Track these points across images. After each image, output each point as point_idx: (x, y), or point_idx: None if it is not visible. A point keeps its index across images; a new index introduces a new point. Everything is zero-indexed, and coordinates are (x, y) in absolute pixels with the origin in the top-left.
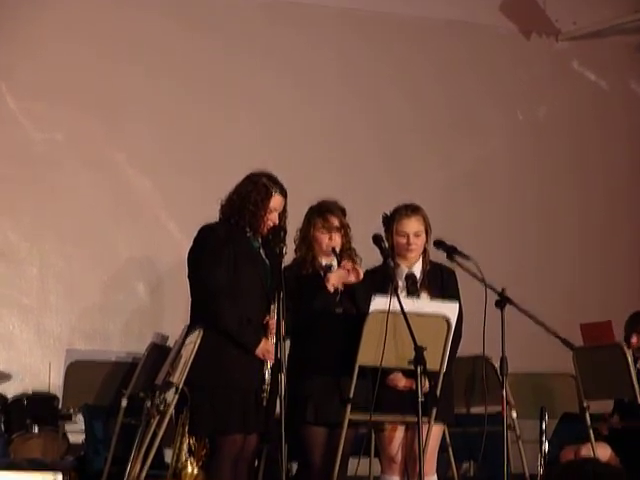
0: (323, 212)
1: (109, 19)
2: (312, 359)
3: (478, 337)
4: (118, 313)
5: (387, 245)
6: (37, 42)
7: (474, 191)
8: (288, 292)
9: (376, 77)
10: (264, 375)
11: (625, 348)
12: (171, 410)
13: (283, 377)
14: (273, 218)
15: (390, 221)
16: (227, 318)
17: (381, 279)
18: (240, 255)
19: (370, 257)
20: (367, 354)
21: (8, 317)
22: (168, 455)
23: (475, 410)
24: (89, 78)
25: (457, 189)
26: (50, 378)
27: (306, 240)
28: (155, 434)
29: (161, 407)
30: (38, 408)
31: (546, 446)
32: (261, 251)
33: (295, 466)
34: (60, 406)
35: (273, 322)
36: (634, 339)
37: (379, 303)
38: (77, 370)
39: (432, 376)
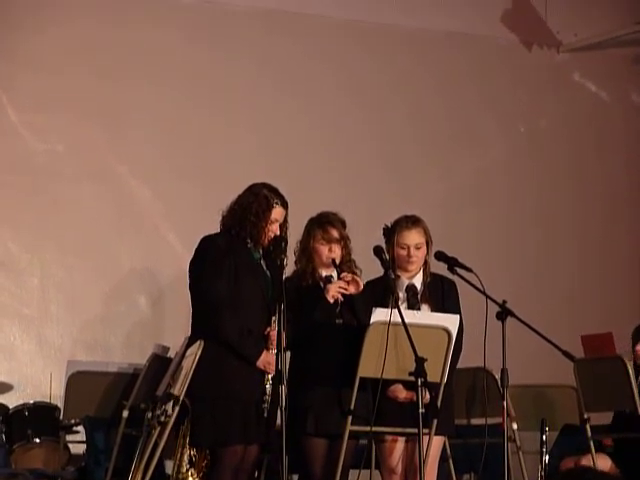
0: (323, 224)
1: (109, 30)
2: (312, 370)
3: (479, 349)
4: (119, 324)
5: (388, 257)
6: (38, 53)
7: (474, 202)
8: (288, 303)
9: (377, 88)
10: (265, 386)
11: (626, 360)
12: (172, 421)
13: (284, 388)
14: (274, 229)
15: (391, 233)
16: (228, 329)
17: (381, 290)
18: (241, 266)
19: (371, 269)
20: (368, 366)
21: (9, 328)
22: (169, 466)
23: (476, 421)
24: (90, 89)
25: (458, 200)
26: (51, 389)
27: (306, 252)
28: (156, 445)
29: (162, 418)
30: (39, 419)
31: (546, 458)
32: (262, 262)
33: (296, 478)
34: (61, 417)
35: (274, 333)
36: (639, 347)
37: (380, 315)
38: (78, 381)
39: (433, 388)
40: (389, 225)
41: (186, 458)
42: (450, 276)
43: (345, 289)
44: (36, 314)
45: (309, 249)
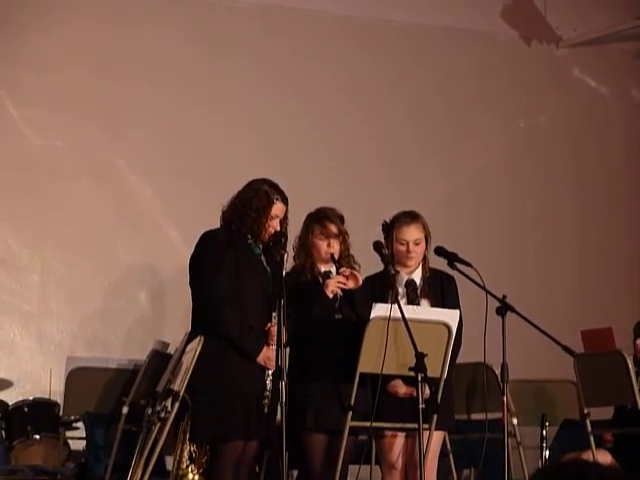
0: (321, 219)
1: (110, 29)
2: (312, 365)
3: (479, 344)
4: (119, 320)
5: (387, 252)
6: (38, 51)
7: (474, 199)
8: (288, 299)
9: (375, 84)
10: (265, 382)
11: (626, 355)
12: (172, 417)
13: (284, 384)
14: (274, 225)
15: (390, 228)
16: (229, 325)
17: (381, 286)
18: (242, 261)
19: (370, 265)
20: (368, 361)
21: (9, 324)
22: (169, 462)
23: (476, 417)
24: (90, 87)
25: (458, 197)
26: (51, 385)
27: (305, 247)
28: (156, 441)
29: (162, 414)
30: (39, 415)
31: (547, 453)
32: (262, 258)
33: (295, 473)
34: (61, 413)
35: (274, 329)
36: (639, 341)
37: (380, 310)
38: (78, 377)
39: (432, 383)
40: (388, 221)
41: (186, 454)
42: (449, 271)
43: (344, 284)
44: (36, 310)
45: (308, 244)
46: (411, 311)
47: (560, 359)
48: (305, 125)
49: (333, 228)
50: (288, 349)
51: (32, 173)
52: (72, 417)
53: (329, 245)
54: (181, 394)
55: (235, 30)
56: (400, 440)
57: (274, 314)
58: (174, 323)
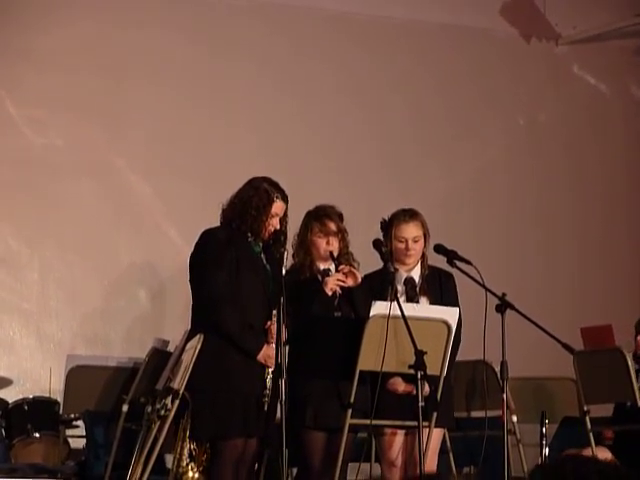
0: (320, 217)
1: (110, 28)
2: (311, 363)
3: (479, 341)
4: (119, 319)
5: (387, 250)
6: (38, 51)
7: (474, 196)
8: (288, 297)
9: (375, 82)
10: (265, 380)
11: (625, 352)
12: (172, 415)
13: (284, 382)
14: (274, 223)
15: (388, 226)
16: (229, 323)
17: (380, 284)
18: (242, 260)
19: (369, 263)
20: (367, 359)
21: (9, 323)
22: (169, 460)
23: (475, 414)
24: (90, 86)
25: (457, 195)
26: (51, 383)
27: (304, 245)
28: (156, 439)
29: (162, 412)
30: (39, 413)
31: (546, 450)
32: (262, 256)
33: (295, 471)
34: (61, 411)
35: (274, 327)
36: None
37: (379, 308)
38: (78, 375)
39: (432, 380)
40: (386, 219)
41: (186, 452)
42: (448, 269)
43: (343, 282)
44: (35, 309)
45: (307, 242)
46: (410, 309)
47: (560, 356)
48: (305, 124)
49: (332, 226)
50: (288, 347)
51: (32, 172)
52: (72, 415)
53: (328, 243)
54: (181, 392)
55: (235, 29)
56: (400, 438)
57: (274, 312)
58: (174, 321)
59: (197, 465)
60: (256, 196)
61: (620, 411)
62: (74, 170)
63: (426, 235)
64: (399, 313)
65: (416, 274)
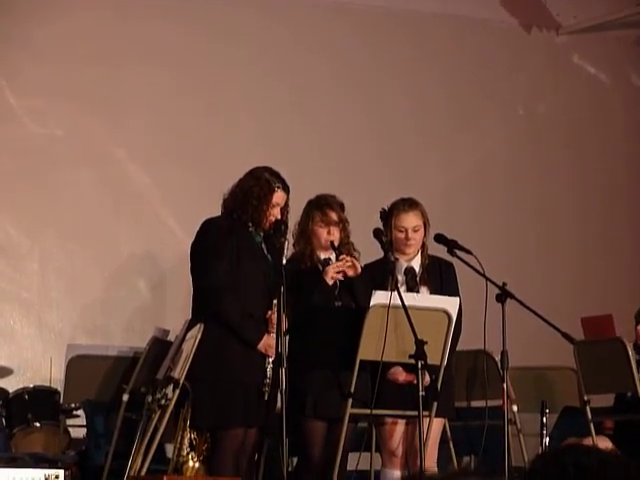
0: (322, 206)
1: (109, 18)
2: (311, 353)
3: (479, 331)
4: (119, 309)
5: (387, 240)
6: (38, 40)
7: (474, 187)
8: (288, 287)
9: (373, 72)
10: (265, 370)
11: (626, 341)
12: (172, 405)
13: (284, 371)
14: (275, 213)
15: (388, 216)
16: (230, 312)
17: (380, 273)
18: (242, 249)
19: (370, 253)
20: (368, 348)
21: (9, 312)
22: (169, 450)
23: (476, 404)
24: (89, 75)
25: (457, 184)
26: (51, 373)
27: (305, 234)
28: (156, 429)
29: (162, 402)
30: (39, 403)
31: (547, 440)
32: (263, 246)
33: (295, 460)
34: (61, 400)
35: (275, 317)
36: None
37: (380, 297)
38: (78, 365)
39: (433, 370)
40: (386, 208)
41: (186, 442)
42: (449, 258)
43: (344, 271)
44: (36, 298)
45: (308, 232)
46: (411, 298)
47: (560, 346)
48: (304, 114)
49: (333, 215)
50: (288, 336)
51: (32, 162)
52: (72, 405)
53: (329, 233)
54: (181, 381)
55: (233, 19)
56: (400, 427)
57: (274, 302)
58: (174, 311)
59: (197, 454)
60: (257, 186)
61: (621, 401)
62: (74, 160)
63: (426, 224)
64: (399, 303)
65: (416, 264)
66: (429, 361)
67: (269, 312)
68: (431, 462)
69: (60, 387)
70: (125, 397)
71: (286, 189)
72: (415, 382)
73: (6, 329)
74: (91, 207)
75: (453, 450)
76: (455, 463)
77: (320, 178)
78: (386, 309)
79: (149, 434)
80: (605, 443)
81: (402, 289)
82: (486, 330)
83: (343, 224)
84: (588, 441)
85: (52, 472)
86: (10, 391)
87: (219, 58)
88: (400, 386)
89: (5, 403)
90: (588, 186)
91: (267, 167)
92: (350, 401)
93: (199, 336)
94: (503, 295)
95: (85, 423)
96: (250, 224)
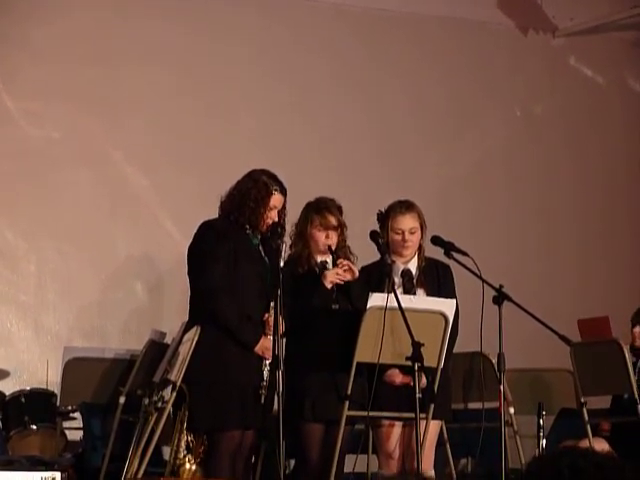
0: (321, 210)
1: (107, 19)
2: (309, 355)
3: (476, 333)
4: (116, 311)
5: (384, 242)
6: (35, 42)
7: (473, 188)
8: (285, 290)
9: (372, 74)
10: (262, 372)
11: (622, 343)
12: (169, 407)
13: (281, 374)
14: (273, 216)
15: (385, 218)
16: (227, 314)
17: (377, 275)
18: (240, 252)
19: (366, 255)
20: (365, 351)
21: (6, 314)
22: (166, 452)
23: (473, 406)
24: (86, 76)
25: (455, 186)
26: (48, 375)
27: (302, 237)
28: (153, 431)
29: (159, 404)
30: (36, 405)
31: (543, 442)
32: (260, 248)
33: (293, 463)
34: (58, 403)
35: (272, 319)
36: (637, 329)
37: (376, 299)
38: (75, 367)
39: (429, 372)
40: (383, 210)
41: (183, 444)
42: (445, 260)
43: (342, 277)
44: (32, 301)
45: (306, 234)
46: (407, 301)
47: (557, 348)
48: (303, 115)
49: (332, 220)
50: (285, 339)
51: (29, 164)
52: (69, 407)
53: (327, 237)
54: (178, 384)
55: (232, 20)
56: (397, 429)
57: (272, 304)
58: (171, 313)
59: (194, 457)
60: (255, 188)
61: (617, 403)
62: (71, 162)
63: (423, 226)
64: (396, 305)
65: (413, 266)
66: (426, 363)
67: (266, 314)
68: (428, 464)
69: (57, 389)
70: (122, 399)
71: (283, 192)
72: (412, 384)
73: (3, 331)
74: (88, 209)
75: (450, 452)
76: (452, 465)
77: (319, 178)
78: (383, 311)
79: (146, 436)
80: (602, 445)
81: (399, 291)
82: (483, 332)
83: (341, 228)
84: (585, 443)
85: (49, 475)
86: (7, 394)
87: (217, 59)
88: (397, 388)
89: (2, 406)
90: (587, 187)
91: (264, 170)
92: (347, 403)
93: (196, 338)
94: (500, 297)
95: (82, 426)
96: (247, 226)
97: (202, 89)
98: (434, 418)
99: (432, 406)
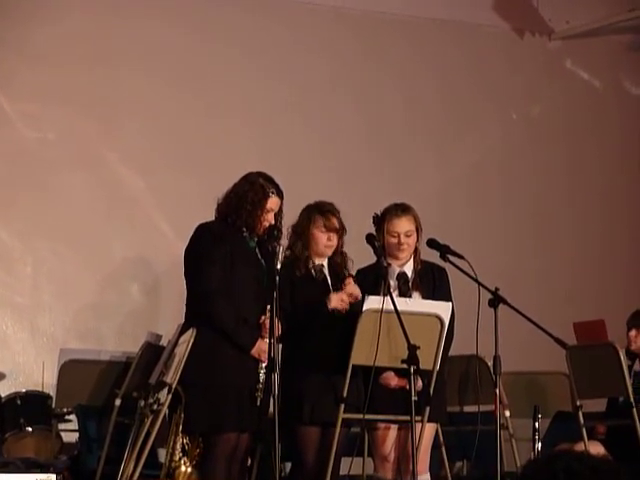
0: (325, 212)
1: (103, 21)
2: (306, 358)
3: (472, 336)
4: (112, 313)
5: (380, 245)
6: (31, 44)
7: (469, 191)
8: (282, 293)
9: (370, 76)
10: (259, 375)
11: (618, 346)
12: (165, 409)
13: (276, 377)
14: (269, 218)
15: (381, 221)
16: (223, 317)
17: (373, 278)
18: (236, 254)
19: (362, 257)
20: (360, 353)
21: (1, 316)
22: (162, 455)
23: (468, 409)
24: (82, 78)
25: (452, 188)
26: (44, 377)
27: (303, 237)
28: (149, 434)
29: (154, 406)
30: (32, 407)
31: (539, 445)
32: (257, 251)
33: (288, 466)
34: (54, 405)
35: (268, 322)
36: (632, 332)
37: (372, 302)
38: (71, 369)
39: (425, 375)
40: (379, 214)
41: (179, 446)
42: (441, 263)
43: (345, 305)
44: (28, 303)
45: (307, 235)
46: (403, 303)
47: (553, 351)
48: (300, 118)
49: (336, 222)
50: (283, 342)
51: (25, 166)
52: (64, 409)
53: (329, 239)
54: (174, 386)
55: (229, 22)
56: (393, 432)
57: (269, 307)
58: (167, 315)
59: (190, 459)
60: (251, 191)
61: (613, 406)
62: (67, 164)
63: (418, 229)
64: (392, 308)
65: (409, 269)
66: (421, 366)
67: (263, 317)
68: (423, 467)
69: (52, 392)
70: (117, 402)
71: (280, 195)
72: (407, 387)
73: None
74: (84, 211)
75: (445, 455)
76: (447, 468)
77: (317, 181)
78: (378, 314)
79: (141, 439)
80: (597, 448)
81: (394, 294)
82: (479, 335)
83: (342, 232)
84: (580, 446)
85: (44, 477)
86: (2, 396)
87: (216, 61)
88: (392, 391)
89: None
90: (583, 190)
91: (261, 172)
92: (343, 406)
93: (192, 340)
94: (495, 300)
95: (77, 428)
96: (244, 229)
97: (199, 91)
98: (430, 421)
99: (428, 409)
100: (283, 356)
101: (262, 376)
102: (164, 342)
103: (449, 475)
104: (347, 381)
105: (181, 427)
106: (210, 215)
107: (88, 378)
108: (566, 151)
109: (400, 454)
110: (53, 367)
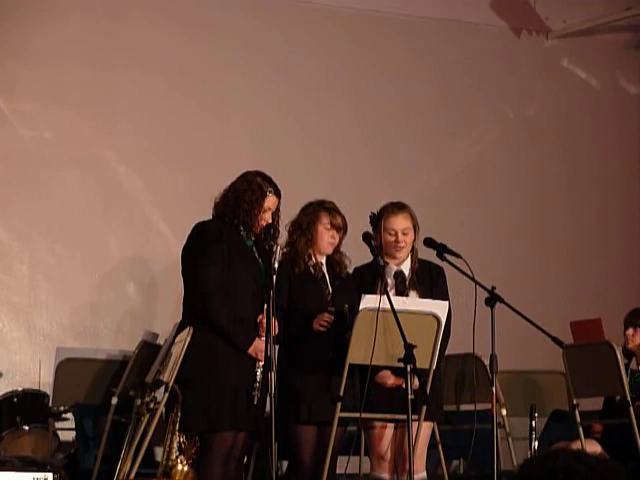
0: (330, 210)
1: (100, 21)
2: (304, 357)
3: (468, 335)
4: (109, 312)
5: (376, 243)
6: (28, 43)
7: (466, 189)
8: (279, 291)
9: (366, 75)
10: (256, 373)
11: (615, 345)
12: (161, 408)
13: (273, 375)
14: (267, 217)
15: (377, 219)
16: (220, 316)
17: (370, 277)
18: (234, 253)
19: (359, 256)
20: (357, 352)
21: None
22: (158, 453)
23: (465, 407)
24: (79, 78)
25: (449, 187)
26: (40, 376)
27: (307, 233)
28: (145, 432)
29: (151, 405)
30: (28, 406)
31: (536, 444)
32: (254, 250)
33: (285, 464)
34: (50, 404)
35: (265, 321)
36: (629, 331)
37: (369, 301)
38: (67, 368)
39: (422, 374)
40: (375, 212)
41: (175, 445)
42: (438, 262)
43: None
44: (25, 301)
45: (312, 231)
46: (400, 302)
47: (549, 350)
48: (296, 117)
49: (340, 221)
50: (280, 340)
51: (21, 165)
52: (61, 408)
53: (332, 237)
54: (170, 385)
55: (225, 22)
56: (389, 431)
57: (266, 306)
58: (164, 314)
59: (186, 458)
60: (249, 190)
61: (609, 405)
62: (64, 163)
63: (415, 227)
64: (389, 306)
65: (406, 268)
66: (418, 365)
67: (260, 316)
68: (420, 466)
69: (49, 390)
70: (114, 400)
71: (278, 194)
72: (404, 386)
73: None
74: (81, 210)
75: (442, 454)
76: (444, 467)
77: (313, 179)
78: (375, 313)
79: (138, 437)
80: (594, 447)
81: (391, 293)
82: (475, 334)
83: (343, 231)
84: (577, 445)
85: (41, 475)
86: None
87: (211, 60)
88: (389, 390)
89: None
90: (580, 188)
91: (259, 171)
92: (339, 405)
93: (188, 339)
94: (492, 299)
95: (74, 426)
96: (241, 228)
97: (195, 90)
98: (426, 420)
99: (424, 408)
100: (281, 355)
101: (259, 375)
102: (161, 341)
103: (446, 474)
104: (344, 380)
105: (178, 426)
106: (207, 214)
107: (85, 377)
108: (563, 149)
109: (397, 453)
110: (50, 366)
